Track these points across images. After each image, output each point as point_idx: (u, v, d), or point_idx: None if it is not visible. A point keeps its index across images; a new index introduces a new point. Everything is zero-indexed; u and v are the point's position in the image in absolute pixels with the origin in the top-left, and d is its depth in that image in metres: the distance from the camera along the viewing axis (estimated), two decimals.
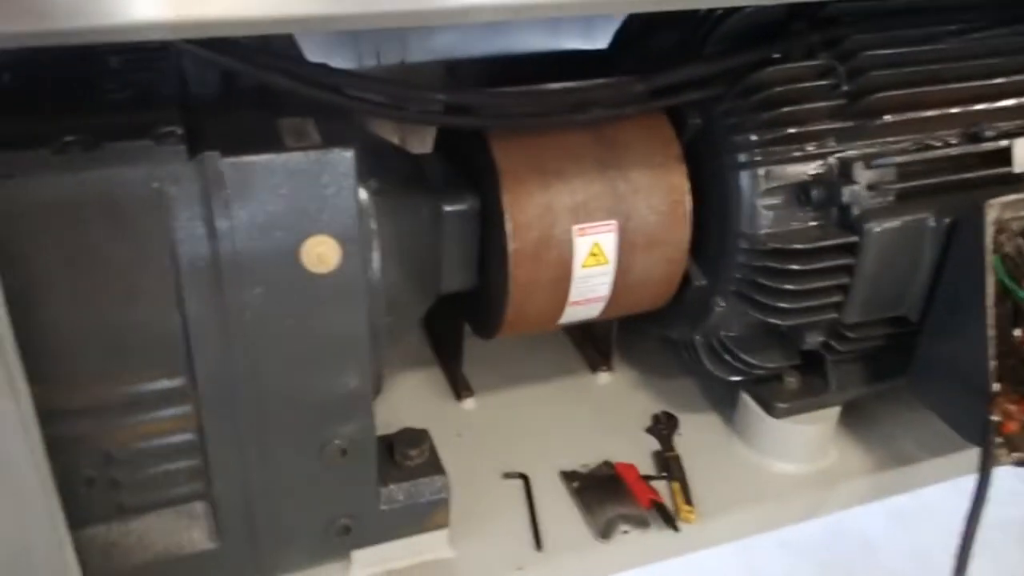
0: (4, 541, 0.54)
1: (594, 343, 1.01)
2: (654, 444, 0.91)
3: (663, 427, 0.93)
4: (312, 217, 0.60)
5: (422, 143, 0.89)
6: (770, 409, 0.88)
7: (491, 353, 1.00)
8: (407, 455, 0.75)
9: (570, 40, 1.00)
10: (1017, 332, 0.76)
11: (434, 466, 0.76)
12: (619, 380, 1.00)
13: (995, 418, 0.73)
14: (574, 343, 1.04)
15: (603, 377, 0.99)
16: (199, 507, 0.69)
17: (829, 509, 0.90)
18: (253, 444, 0.66)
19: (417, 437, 0.76)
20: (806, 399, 0.88)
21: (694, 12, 0.79)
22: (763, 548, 1.16)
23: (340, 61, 0.94)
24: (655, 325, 0.92)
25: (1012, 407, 0.73)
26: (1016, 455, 0.76)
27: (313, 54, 0.71)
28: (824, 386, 0.88)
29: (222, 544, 0.69)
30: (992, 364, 0.74)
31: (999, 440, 0.75)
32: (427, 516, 0.76)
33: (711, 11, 0.78)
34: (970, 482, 0.75)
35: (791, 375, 0.89)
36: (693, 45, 0.78)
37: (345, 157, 0.59)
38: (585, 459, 0.89)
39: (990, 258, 0.73)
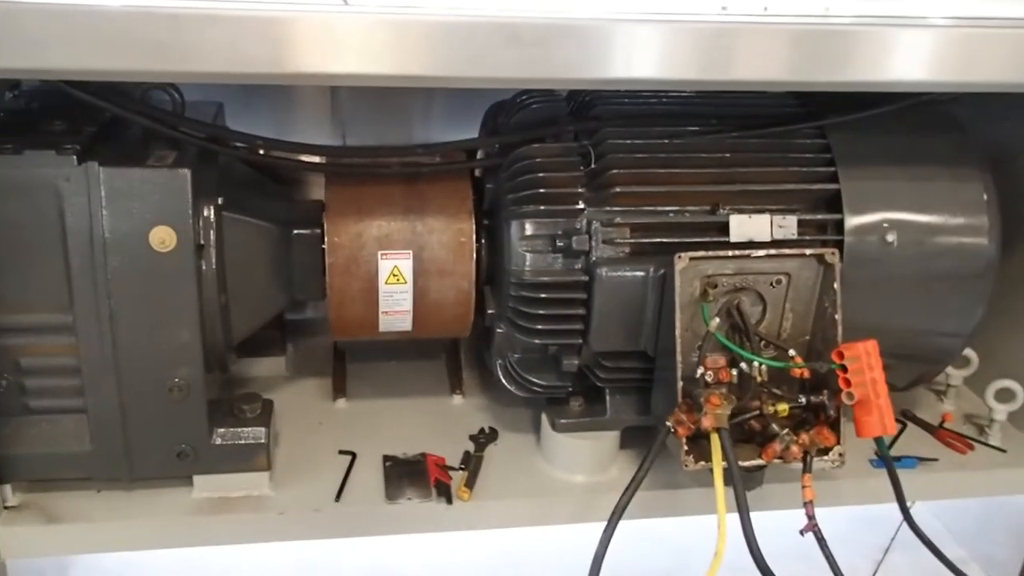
0: None
1: (456, 370, 1.25)
2: (471, 448, 1.13)
3: (483, 437, 1.14)
4: (158, 212, 0.89)
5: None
6: (554, 425, 1.08)
7: (375, 372, 1.26)
8: (241, 409, 1.01)
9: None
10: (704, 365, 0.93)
11: (261, 420, 1.01)
12: (468, 402, 1.22)
13: (668, 424, 0.91)
14: (447, 371, 1.28)
15: (457, 399, 1.23)
16: (81, 418, 0.97)
17: (594, 517, 1.07)
18: (116, 373, 0.94)
19: (254, 398, 1.03)
20: (586, 420, 1.08)
21: (511, 102, 1.06)
22: None
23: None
24: (485, 355, 1.15)
25: (684, 417, 0.91)
26: (702, 464, 0.93)
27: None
28: (603, 411, 1.08)
29: (95, 448, 0.97)
30: (679, 384, 0.93)
31: (685, 448, 0.93)
32: (250, 457, 1.01)
33: (520, 103, 1.05)
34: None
35: (576, 400, 1.09)
36: (502, 128, 1.05)
37: (184, 174, 0.89)
38: (409, 450, 1.11)
39: (679, 300, 0.93)
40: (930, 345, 1.10)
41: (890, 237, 1.01)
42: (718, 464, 0.89)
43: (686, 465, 0.93)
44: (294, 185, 1.20)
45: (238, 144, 1.01)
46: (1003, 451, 1.18)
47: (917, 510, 1.31)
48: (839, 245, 1.00)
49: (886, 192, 1.02)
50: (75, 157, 0.87)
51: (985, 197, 1.04)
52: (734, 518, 0.86)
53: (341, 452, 1.10)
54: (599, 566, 0.88)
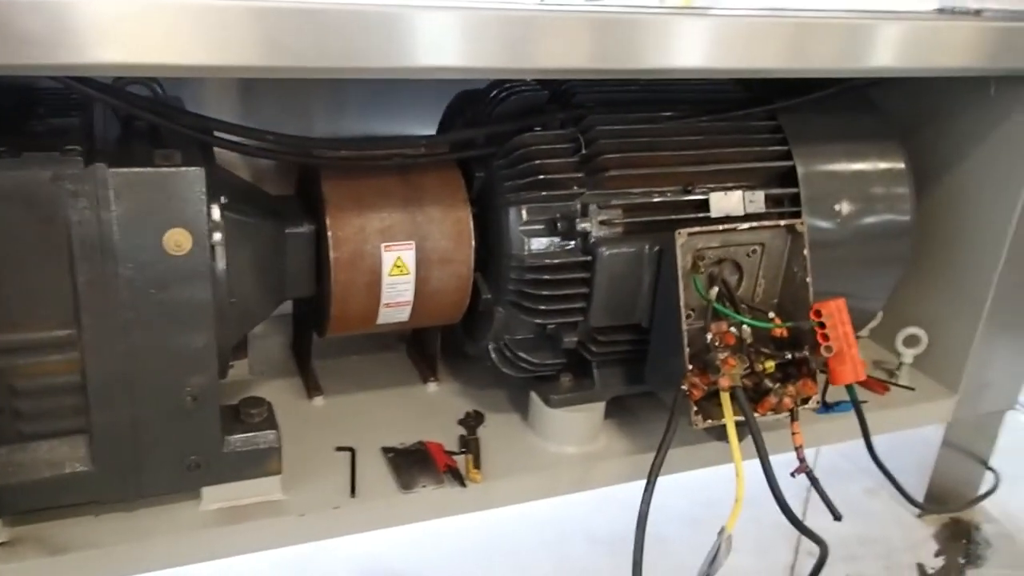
0: None
1: (425, 359, 1.26)
2: (462, 432, 1.15)
3: (471, 420, 1.17)
4: (172, 214, 0.85)
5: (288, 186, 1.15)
6: (548, 401, 1.13)
7: (342, 367, 1.25)
8: (248, 414, 0.98)
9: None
10: (710, 331, 1.02)
11: (269, 423, 0.99)
12: (444, 389, 1.24)
13: (684, 387, 0.98)
14: (412, 361, 1.29)
15: (432, 386, 1.24)
16: (81, 438, 0.91)
17: (595, 484, 1.13)
18: (123, 387, 0.89)
19: (258, 402, 1.00)
20: (576, 394, 1.13)
21: (486, 94, 1.08)
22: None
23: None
24: (468, 341, 1.17)
25: (696, 379, 0.99)
26: (709, 421, 1.01)
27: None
28: (591, 385, 1.14)
29: (98, 468, 0.91)
30: (686, 350, 1.00)
31: (695, 409, 1.01)
32: (263, 462, 0.98)
33: (497, 93, 1.07)
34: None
35: (566, 375, 1.14)
36: (482, 119, 1.07)
37: (197, 173, 0.85)
38: (404, 440, 1.12)
39: (681, 273, 1.00)
40: (864, 302, 1.24)
41: (838, 207, 1.14)
42: (731, 419, 0.98)
43: (696, 424, 1.01)
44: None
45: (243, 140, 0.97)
46: (912, 389, 1.35)
47: (824, 452, 1.48)
48: (797, 216, 1.11)
49: (831, 167, 1.15)
50: (81, 159, 0.81)
51: (905, 167, 1.19)
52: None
53: (338, 449, 1.09)
54: (644, 524, 0.94)
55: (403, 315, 1.06)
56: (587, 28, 0.86)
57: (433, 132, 1.20)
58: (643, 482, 1.04)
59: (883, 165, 1.18)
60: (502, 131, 1.05)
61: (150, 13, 0.71)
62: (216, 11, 0.73)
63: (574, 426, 1.13)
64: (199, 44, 0.74)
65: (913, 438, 1.41)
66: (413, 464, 1.07)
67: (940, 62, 1.08)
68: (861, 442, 1.17)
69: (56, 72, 0.77)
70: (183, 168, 0.85)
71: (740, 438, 1.01)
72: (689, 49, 0.91)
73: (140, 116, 0.88)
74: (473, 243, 1.05)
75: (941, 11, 1.21)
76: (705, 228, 1.02)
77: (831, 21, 0.99)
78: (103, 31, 0.70)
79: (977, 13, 1.16)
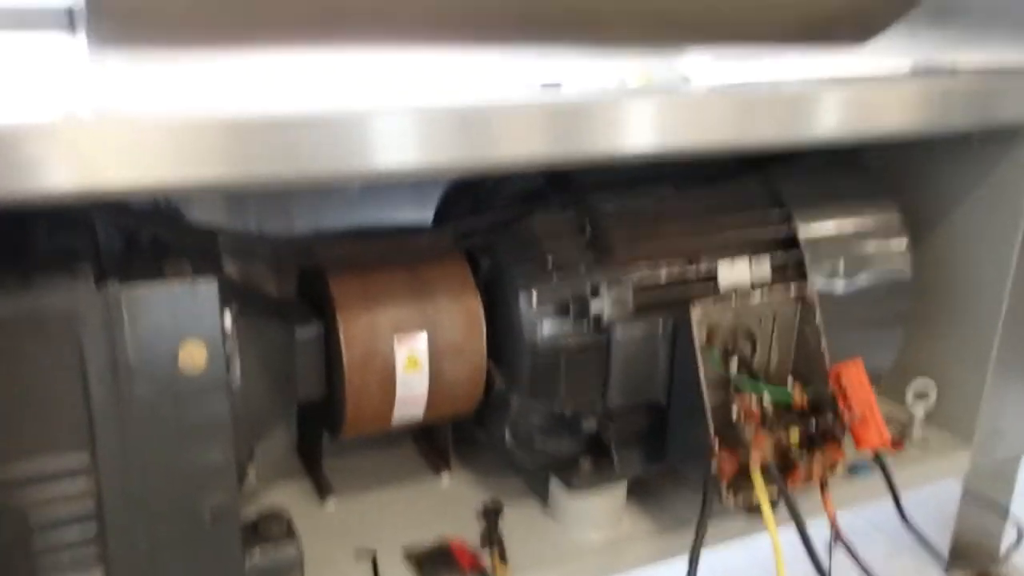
0: None
1: (436, 451, 1.23)
2: (482, 524, 1.12)
3: (490, 512, 1.14)
4: (186, 329, 0.83)
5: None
6: (569, 486, 1.10)
7: (349, 464, 1.22)
8: (268, 528, 0.95)
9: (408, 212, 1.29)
10: (733, 406, 1.01)
11: (291, 537, 0.95)
12: (457, 479, 1.21)
13: (714, 466, 0.97)
14: (420, 453, 1.26)
15: (445, 478, 1.21)
16: (98, 570, 0.86)
17: (623, 568, 1.10)
18: (140, 511, 0.85)
19: (277, 515, 0.96)
20: (597, 477, 1.11)
21: (483, 183, 1.08)
22: None
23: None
24: (480, 430, 1.15)
25: (726, 457, 0.97)
26: (741, 497, 0.99)
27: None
28: (612, 466, 1.12)
29: None
30: (712, 427, 0.99)
31: (726, 486, 0.99)
32: None
33: (495, 182, 1.08)
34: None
35: (585, 459, 1.11)
36: (482, 207, 1.07)
37: (210, 285, 0.83)
38: (423, 538, 1.08)
39: (699, 348, 0.99)
40: (872, 361, 1.24)
41: (840, 269, 1.15)
42: (765, 496, 0.96)
43: (728, 503, 0.99)
44: None
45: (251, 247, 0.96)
46: (926, 443, 1.34)
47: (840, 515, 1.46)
48: (802, 279, 1.12)
49: (831, 229, 1.16)
50: (92, 278, 0.79)
51: (901, 224, 1.20)
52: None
53: (358, 553, 1.05)
54: None
55: (418, 410, 1.04)
56: (544, 117, 0.86)
57: (420, 211, 1.19)
58: (670, 562, 1.01)
59: (880, 224, 1.19)
60: (508, 218, 1.05)
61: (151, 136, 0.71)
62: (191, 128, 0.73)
63: (597, 510, 1.11)
64: (174, 161, 0.73)
65: (931, 493, 1.40)
66: (438, 566, 1.04)
67: (918, 124, 1.09)
68: (878, 503, 1.16)
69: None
70: (196, 280, 0.83)
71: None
72: (654, 130, 0.90)
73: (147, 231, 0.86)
74: (484, 331, 1.04)
75: (915, 72, 1.24)
76: (718, 300, 1.02)
77: (802, 93, 1.00)
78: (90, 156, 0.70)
79: (952, 72, 1.20)
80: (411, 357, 1.00)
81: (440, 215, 1.19)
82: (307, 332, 1.00)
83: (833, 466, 1.04)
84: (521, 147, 0.85)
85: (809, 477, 1.01)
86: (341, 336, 0.97)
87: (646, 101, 0.91)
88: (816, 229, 1.15)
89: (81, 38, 0.95)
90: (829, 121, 1.01)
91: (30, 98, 0.87)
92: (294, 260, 1.08)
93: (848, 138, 1.05)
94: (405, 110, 0.80)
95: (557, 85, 1.29)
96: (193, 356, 0.83)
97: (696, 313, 0.99)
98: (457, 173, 1.06)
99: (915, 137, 1.13)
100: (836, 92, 1.02)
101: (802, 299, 1.06)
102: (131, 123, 0.72)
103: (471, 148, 0.83)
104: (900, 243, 1.20)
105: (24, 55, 1.00)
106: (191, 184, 0.76)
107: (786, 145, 1.01)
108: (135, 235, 0.91)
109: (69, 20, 0.97)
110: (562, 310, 1.02)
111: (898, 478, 1.30)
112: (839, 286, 1.15)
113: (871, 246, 1.18)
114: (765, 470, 0.96)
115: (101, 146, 0.70)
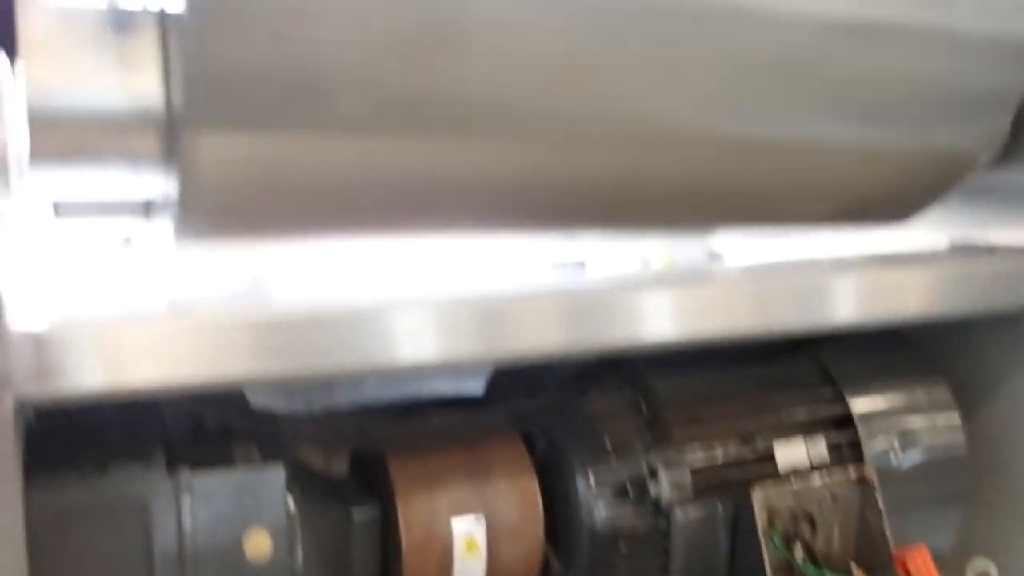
0: None
1: None
2: None
3: None
4: (252, 516, 0.83)
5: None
6: None
7: None
8: None
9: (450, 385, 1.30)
10: None
11: None
12: None
13: None
14: None
15: None
16: None
17: None
18: None
19: None
20: None
21: (538, 366, 1.10)
22: None
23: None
24: None
25: None
26: None
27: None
28: None
29: None
30: None
31: None
32: None
33: (548, 366, 1.09)
34: None
35: None
36: (535, 385, 1.09)
37: (277, 472, 0.84)
38: None
39: (762, 532, 0.98)
40: (929, 545, 1.21)
41: (895, 448, 1.14)
42: None
43: None
44: None
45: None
46: None
47: None
48: (859, 459, 1.11)
49: (884, 408, 1.16)
50: (163, 466, 0.80)
51: (951, 400, 1.20)
52: None
53: None
54: None
55: None
56: (563, 311, 0.87)
57: (461, 380, 1.20)
58: None
59: (930, 400, 1.19)
60: (557, 401, 1.06)
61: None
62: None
63: None
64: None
65: None
66: None
67: (960, 307, 1.09)
68: None
69: None
70: (264, 466, 0.84)
71: None
72: (673, 320, 0.91)
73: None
74: (542, 514, 1.03)
75: (953, 249, 1.27)
76: (779, 483, 1.01)
77: (829, 283, 1.00)
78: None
79: (990, 250, 1.22)
80: (469, 540, 0.98)
81: (492, 388, 1.20)
82: (364, 514, 0.99)
83: None
84: (541, 340, 0.87)
85: None
86: (400, 519, 0.96)
87: (666, 291, 0.92)
88: (868, 406, 1.15)
89: (156, 227, 1.00)
90: (859, 308, 1.02)
91: (115, 290, 0.91)
92: (344, 438, 1.08)
93: (878, 323, 1.05)
94: (425, 304, 0.83)
95: (581, 264, 1.33)
96: (259, 544, 0.83)
97: (758, 497, 0.99)
98: (479, 366, 1.07)
99: (957, 319, 1.14)
100: (867, 278, 1.03)
101: (862, 480, 1.05)
102: (211, 319, 0.75)
103: (492, 341, 0.85)
104: (951, 417, 1.19)
105: (104, 244, 1.05)
106: (258, 377, 0.78)
107: (812, 331, 1.01)
108: (201, 419, 0.93)
109: (145, 211, 1.02)
110: (620, 492, 1.02)
111: None
112: (895, 464, 1.14)
113: (923, 422, 1.18)
114: None
115: (183, 346, 0.73)
